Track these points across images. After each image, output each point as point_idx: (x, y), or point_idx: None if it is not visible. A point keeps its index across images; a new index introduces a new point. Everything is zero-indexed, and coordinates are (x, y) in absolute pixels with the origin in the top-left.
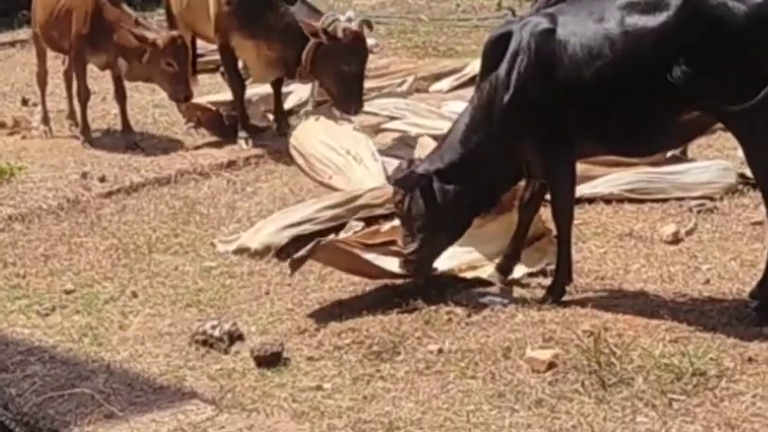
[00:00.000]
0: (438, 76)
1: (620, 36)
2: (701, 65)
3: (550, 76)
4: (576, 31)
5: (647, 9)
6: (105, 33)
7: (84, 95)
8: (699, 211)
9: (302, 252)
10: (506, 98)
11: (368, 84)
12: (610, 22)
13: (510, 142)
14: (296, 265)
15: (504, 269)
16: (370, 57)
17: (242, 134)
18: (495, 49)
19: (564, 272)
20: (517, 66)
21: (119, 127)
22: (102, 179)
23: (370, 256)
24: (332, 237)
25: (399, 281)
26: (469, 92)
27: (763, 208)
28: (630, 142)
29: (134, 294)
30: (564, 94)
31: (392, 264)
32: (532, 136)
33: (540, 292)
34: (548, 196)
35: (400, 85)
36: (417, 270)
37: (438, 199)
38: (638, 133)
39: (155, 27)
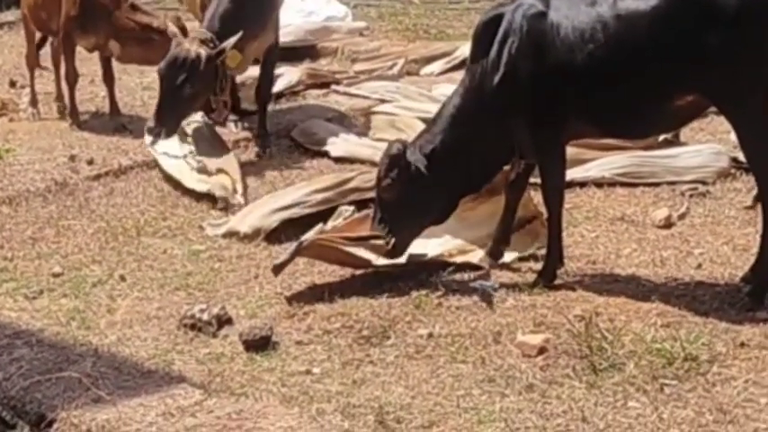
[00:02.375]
0: (429, 59)
1: (612, 20)
2: (694, 49)
3: (542, 59)
4: (569, 14)
5: None
6: (96, 15)
7: (73, 78)
8: (691, 196)
9: (285, 256)
10: (497, 79)
11: (358, 67)
12: (602, 5)
13: (500, 124)
14: (279, 270)
15: (494, 253)
16: (361, 40)
17: (232, 117)
18: (487, 32)
19: (555, 256)
20: (508, 48)
21: (107, 109)
22: (91, 162)
23: (353, 249)
24: (311, 235)
25: (389, 267)
26: (461, 75)
27: (755, 192)
28: (623, 125)
29: (122, 278)
30: (555, 77)
31: (376, 254)
32: (523, 118)
33: (531, 277)
34: (537, 179)
35: (391, 68)
36: (394, 251)
37: (427, 180)
38: (631, 116)
39: (150, 10)
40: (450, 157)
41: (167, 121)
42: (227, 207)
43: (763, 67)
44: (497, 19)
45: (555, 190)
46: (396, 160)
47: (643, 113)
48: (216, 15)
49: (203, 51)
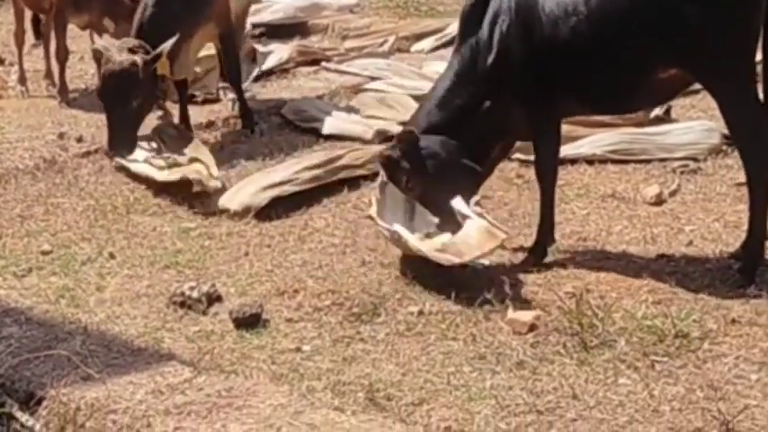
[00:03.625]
0: (419, 36)
1: None
2: (674, 22)
3: (530, 36)
4: None
5: None
6: None
7: (63, 55)
8: (682, 172)
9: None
10: (490, 59)
11: (348, 44)
12: None
13: (493, 102)
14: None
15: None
16: (351, 17)
17: (231, 95)
18: (474, 12)
19: (546, 233)
20: (498, 26)
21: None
22: (80, 139)
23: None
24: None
25: (382, 243)
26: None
27: None
28: (609, 100)
29: (111, 256)
30: (543, 53)
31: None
32: (516, 96)
33: (523, 254)
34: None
35: (381, 45)
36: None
37: (426, 159)
38: (616, 91)
39: None
40: (446, 135)
41: (124, 142)
42: (205, 190)
43: (745, 43)
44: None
45: (548, 167)
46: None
47: (627, 87)
48: (143, 22)
49: (138, 58)
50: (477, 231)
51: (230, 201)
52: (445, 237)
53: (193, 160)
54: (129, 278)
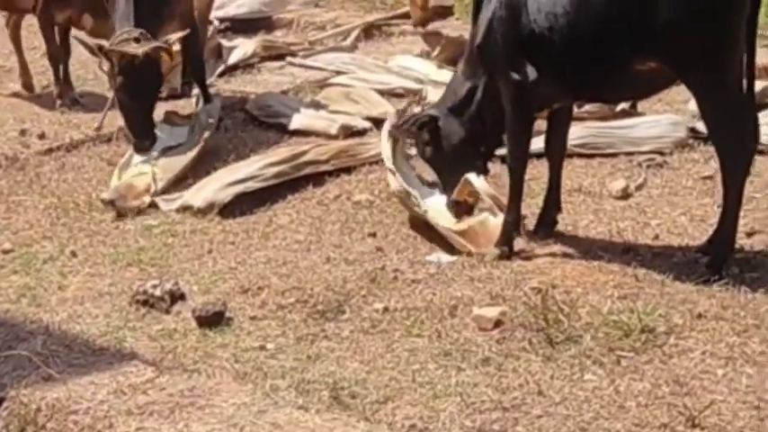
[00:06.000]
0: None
1: None
2: (650, 15)
3: (516, 19)
4: None
5: None
6: None
7: (56, 55)
8: (648, 166)
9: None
10: (477, 41)
11: (315, 37)
12: None
13: (487, 85)
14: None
15: (545, 222)
16: (317, 11)
17: (195, 91)
18: None
19: (512, 226)
20: (489, 11)
21: None
22: (42, 136)
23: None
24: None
25: (347, 239)
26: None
27: (713, 162)
28: (590, 88)
29: (73, 254)
30: (528, 40)
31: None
32: (500, 81)
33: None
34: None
35: (344, 39)
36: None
37: (445, 139)
38: (597, 80)
39: None
40: (461, 116)
41: (150, 131)
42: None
43: (723, 36)
44: None
45: (519, 159)
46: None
47: (606, 77)
48: (136, 11)
49: (150, 46)
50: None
51: (194, 197)
52: (471, 220)
53: (142, 173)
54: (92, 277)
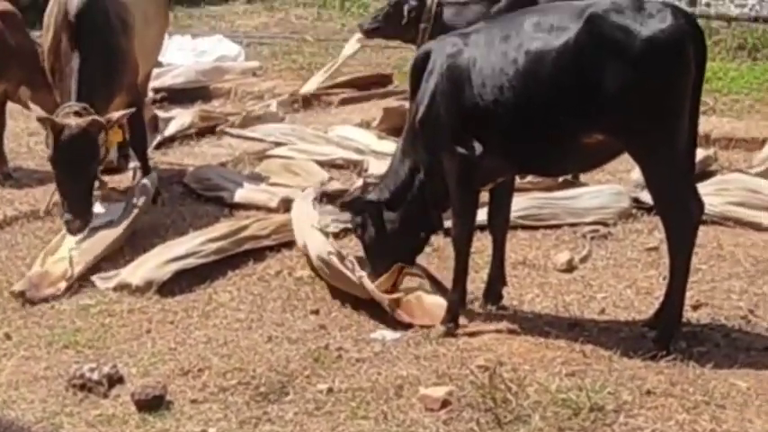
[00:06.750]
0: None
1: (521, 55)
2: (597, 88)
3: (459, 93)
4: (485, 50)
5: (550, 29)
6: (8, 60)
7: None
8: (592, 238)
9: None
10: (419, 116)
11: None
12: (514, 41)
13: (430, 162)
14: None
15: (489, 296)
16: (254, 80)
17: (132, 164)
18: (417, 69)
19: (458, 302)
20: (431, 85)
21: None
22: None
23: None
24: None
25: (289, 317)
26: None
27: (657, 233)
28: (536, 161)
29: (7, 336)
30: (473, 114)
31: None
32: (443, 156)
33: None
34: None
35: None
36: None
37: (385, 226)
38: (543, 152)
39: None
40: (403, 197)
41: (85, 209)
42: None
43: (669, 109)
44: (426, 56)
45: (464, 234)
46: (352, 205)
47: (552, 150)
48: (80, 85)
49: (94, 120)
50: (436, 305)
51: (131, 275)
52: (413, 295)
53: (61, 259)
54: (26, 360)
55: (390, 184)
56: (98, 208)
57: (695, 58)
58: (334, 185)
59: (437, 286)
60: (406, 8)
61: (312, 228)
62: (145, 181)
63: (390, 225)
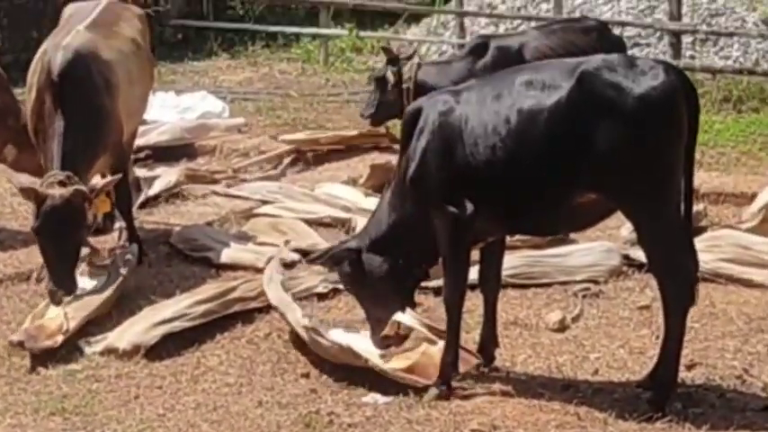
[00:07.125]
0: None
1: (514, 114)
2: (590, 147)
3: (450, 152)
4: (477, 108)
5: (543, 87)
6: None
7: None
8: (584, 296)
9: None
10: (410, 173)
11: (241, 164)
12: (507, 99)
13: (419, 218)
14: None
15: (484, 355)
16: (240, 137)
17: (118, 224)
18: (408, 125)
19: (450, 365)
20: (422, 143)
21: None
22: None
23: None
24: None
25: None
26: (345, 172)
27: (648, 291)
28: (528, 221)
29: None
30: (464, 172)
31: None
32: (433, 214)
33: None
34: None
35: (275, 167)
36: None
37: (368, 273)
38: (535, 212)
39: None
40: (386, 249)
41: (70, 279)
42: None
43: (662, 169)
44: (417, 112)
45: (456, 294)
46: (333, 257)
47: (545, 209)
48: (64, 151)
49: (77, 191)
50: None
51: (118, 339)
52: (413, 356)
53: (55, 316)
54: (12, 428)
55: (372, 233)
56: (84, 282)
57: (688, 114)
58: (293, 247)
59: (434, 332)
60: (388, 74)
61: (287, 301)
62: (128, 256)
63: (377, 270)
